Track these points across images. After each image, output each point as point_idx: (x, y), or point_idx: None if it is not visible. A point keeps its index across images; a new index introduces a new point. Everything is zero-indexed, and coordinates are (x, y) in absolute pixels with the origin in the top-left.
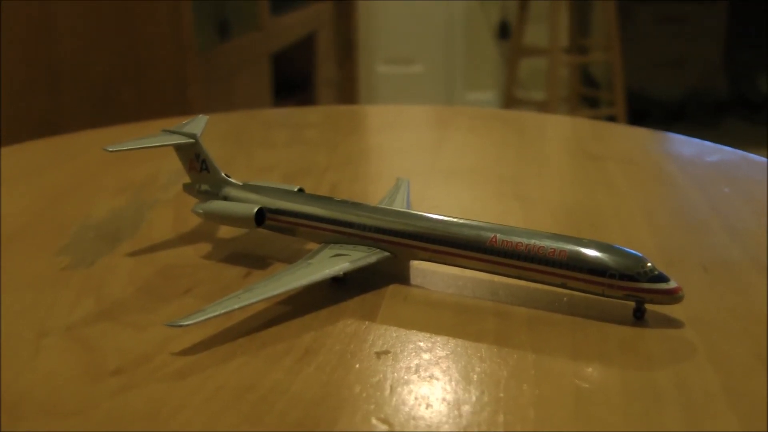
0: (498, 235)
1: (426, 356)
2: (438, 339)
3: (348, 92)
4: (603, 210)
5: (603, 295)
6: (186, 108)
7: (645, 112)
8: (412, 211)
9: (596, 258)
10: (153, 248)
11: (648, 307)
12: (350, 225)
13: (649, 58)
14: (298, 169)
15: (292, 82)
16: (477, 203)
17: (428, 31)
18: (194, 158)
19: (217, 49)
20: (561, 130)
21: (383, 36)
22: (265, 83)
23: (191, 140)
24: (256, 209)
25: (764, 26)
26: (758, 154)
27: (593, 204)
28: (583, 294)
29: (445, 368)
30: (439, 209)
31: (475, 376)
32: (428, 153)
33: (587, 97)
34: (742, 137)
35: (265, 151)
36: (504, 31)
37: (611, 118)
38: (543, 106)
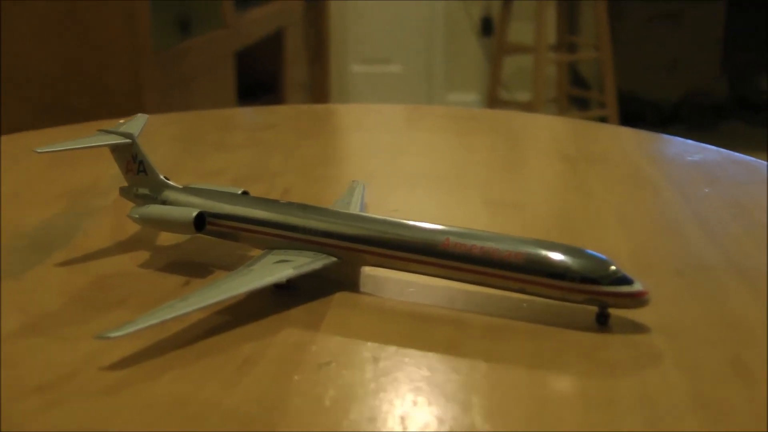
0: (451, 238)
1: (372, 367)
2: (386, 349)
3: (319, 94)
4: (574, 213)
5: (564, 300)
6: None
7: (639, 115)
8: (361, 214)
9: (555, 260)
10: (87, 257)
11: (613, 312)
12: (295, 229)
13: (642, 57)
14: (250, 172)
15: (259, 84)
16: (441, 209)
17: (406, 28)
18: (131, 160)
19: (176, 48)
20: (537, 130)
21: (358, 33)
22: (228, 84)
23: (127, 141)
24: (195, 213)
25: (764, 24)
26: (758, 157)
27: (565, 207)
28: (544, 300)
29: (391, 380)
30: (399, 215)
31: (424, 388)
32: (393, 155)
33: (577, 98)
34: (742, 140)
35: (216, 154)
36: (487, 28)
37: (602, 121)
38: (529, 108)
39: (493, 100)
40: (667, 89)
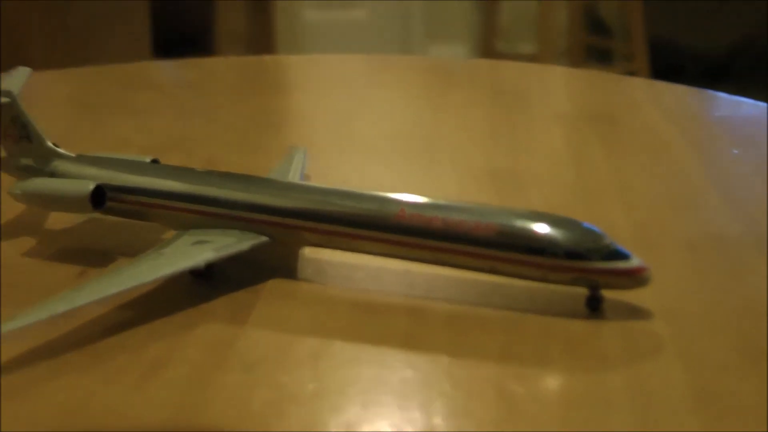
0: (408, 209)
1: (311, 367)
2: (329, 345)
3: (263, 47)
4: (565, 181)
5: (546, 281)
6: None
7: (678, 68)
8: (297, 182)
9: (534, 232)
10: None
11: (607, 295)
12: (215, 202)
13: None
14: (163, 141)
15: (184, 36)
16: (403, 181)
17: None
18: (10, 123)
19: None
20: (532, 84)
21: None
22: (141, 35)
23: (5, 100)
24: (92, 186)
25: None
26: None
27: (553, 174)
28: (522, 282)
29: (335, 381)
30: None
31: (374, 389)
32: (348, 118)
33: (597, 48)
34: None
35: (121, 118)
36: None
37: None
38: (534, 61)
39: (488, 52)
40: (713, 37)
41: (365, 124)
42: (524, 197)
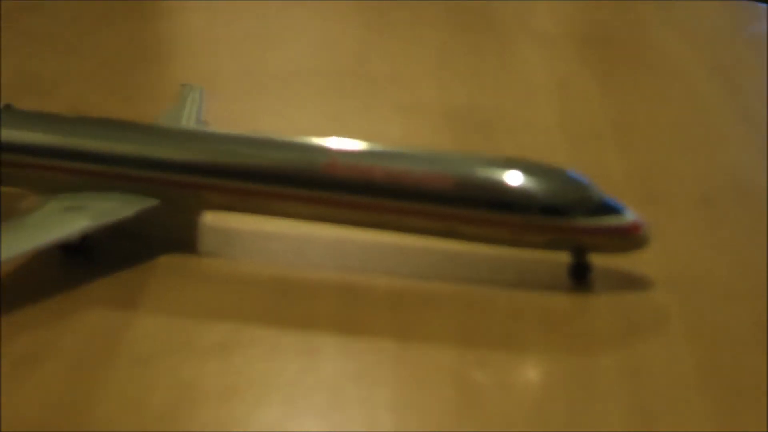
0: (340, 158)
1: (218, 359)
2: (240, 333)
3: None
4: (545, 122)
5: (517, 245)
6: None
7: None
8: (195, 128)
9: (501, 183)
10: None
11: (596, 262)
12: (90, 157)
13: None
14: (13, 81)
15: None
16: (326, 121)
17: None
18: None
19: None
20: None
21: None
22: None
23: None
24: None
25: None
26: None
27: (530, 113)
28: (487, 249)
29: (251, 376)
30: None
31: (300, 383)
32: (252, 45)
33: None
34: None
35: None
36: None
37: None
38: None
39: None
40: None
41: (280, 54)
42: (491, 143)
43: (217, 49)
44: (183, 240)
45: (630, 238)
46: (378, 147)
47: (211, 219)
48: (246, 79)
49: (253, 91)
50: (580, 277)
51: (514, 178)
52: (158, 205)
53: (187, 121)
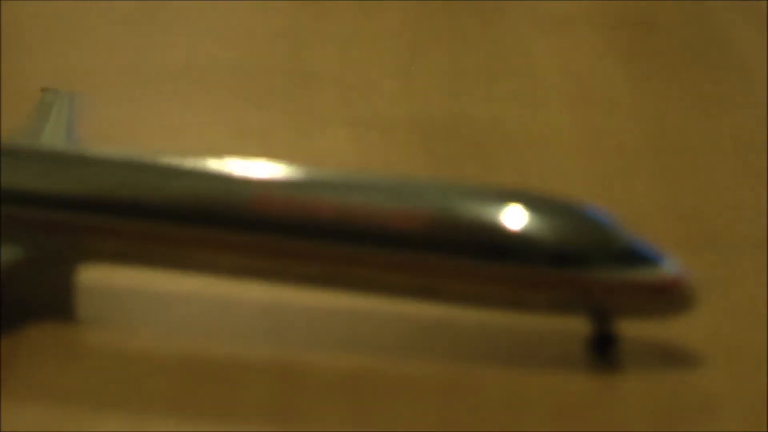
0: (273, 190)
1: None
2: (140, 428)
3: None
4: (558, 138)
5: (516, 308)
6: None
7: None
8: (68, 149)
9: (494, 223)
10: None
11: (625, 331)
12: None
13: None
14: None
15: None
16: (250, 138)
17: None
18: None
19: None
20: None
21: None
22: None
23: None
24: None
25: None
26: None
27: (538, 126)
28: (476, 313)
29: None
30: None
31: None
32: (143, 35)
33: None
34: None
35: None
36: None
37: None
38: None
39: None
40: None
41: (184, 47)
42: (481, 169)
43: (92, 39)
44: (58, 303)
45: (669, 298)
46: (324, 174)
47: (94, 274)
48: (133, 80)
49: (143, 96)
50: (602, 351)
51: (512, 215)
52: (21, 255)
53: (53, 138)
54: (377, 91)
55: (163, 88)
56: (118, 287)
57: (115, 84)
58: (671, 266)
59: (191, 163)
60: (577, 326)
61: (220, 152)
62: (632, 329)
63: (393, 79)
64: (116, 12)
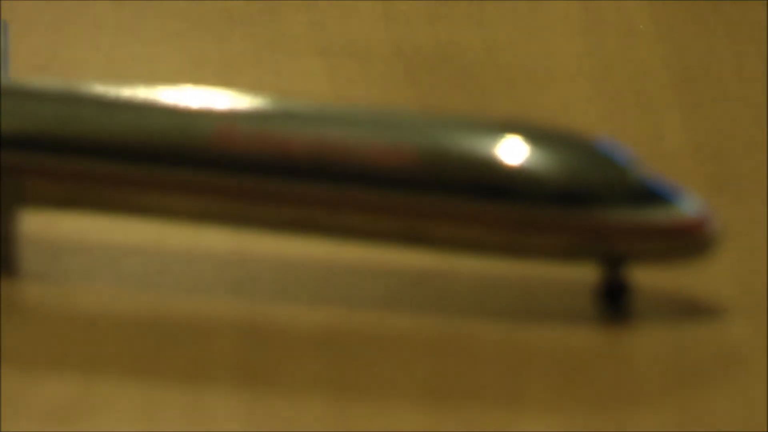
0: (238, 124)
1: (60, 429)
2: (93, 390)
3: None
4: (565, 66)
5: (516, 254)
6: None
7: None
8: (8, 83)
9: (491, 158)
10: None
11: (638, 278)
12: None
13: None
14: None
15: None
16: (210, 67)
17: None
18: None
19: None
20: None
21: None
22: None
23: None
24: None
25: None
26: None
27: (543, 53)
28: (470, 258)
29: None
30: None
31: None
32: None
33: None
34: None
35: None
36: None
37: None
38: None
39: None
40: None
41: None
42: (477, 101)
43: None
44: None
45: (688, 241)
46: (296, 105)
47: (37, 222)
48: (68, 4)
49: (81, 24)
50: (613, 300)
51: (511, 148)
52: None
53: None
54: (352, 15)
55: (105, 16)
56: (62, 237)
57: (48, 11)
58: (690, 206)
59: (142, 93)
60: (584, 274)
61: (179, 83)
62: (645, 276)
63: (370, 1)
64: None
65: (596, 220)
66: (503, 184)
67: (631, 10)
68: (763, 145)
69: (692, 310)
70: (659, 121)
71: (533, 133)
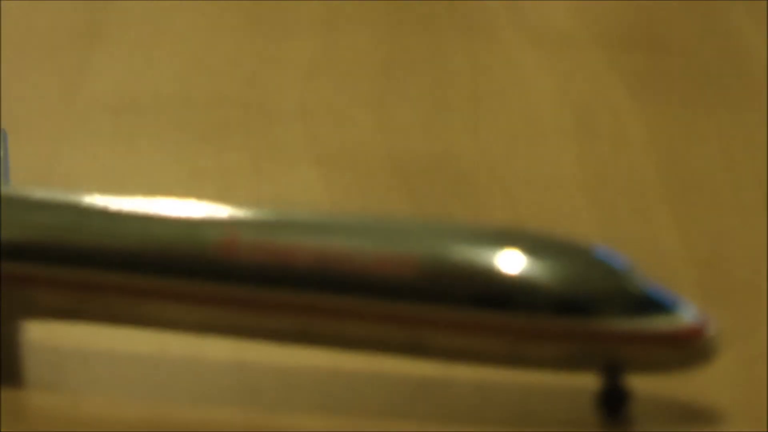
0: (242, 234)
1: None
2: None
3: None
4: (559, 173)
5: (516, 363)
6: None
7: None
8: (11, 192)
9: (490, 267)
10: None
11: (638, 387)
12: None
13: None
14: None
15: None
16: (207, 178)
17: None
18: None
19: None
20: None
21: None
22: None
23: None
24: None
25: None
26: None
27: (536, 160)
28: (472, 371)
29: None
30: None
31: None
32: (74, 64)
33: None
34: None
35: None
36: None
37: None
38: None
39: None
40: None
41: (124, 78)
42: (472, 209)
43: (18, 69)
44: (1, 364)
45: (687, 349)
46: (298, 215)
47: (41, 332)
48: (65, 115)
49: (78, 134)
50: (613, 408)
51: (511, 258)
52: None
53: None
54: (348, 125)
55: (101, 126)
56: (67, 347)
57: (46, 121)
58: (689, 314)
59: (146, 204)
60: (584, 382)
61: (174, 194)
62: (645, 384)
63: (365, 111)
64: (46, 39)
65: (597, 329)
66: (503, 294)
67: (623, 116)
68: (759, 252)
69: (690, 419)
70: (654, 229)
71: (532, 242)
